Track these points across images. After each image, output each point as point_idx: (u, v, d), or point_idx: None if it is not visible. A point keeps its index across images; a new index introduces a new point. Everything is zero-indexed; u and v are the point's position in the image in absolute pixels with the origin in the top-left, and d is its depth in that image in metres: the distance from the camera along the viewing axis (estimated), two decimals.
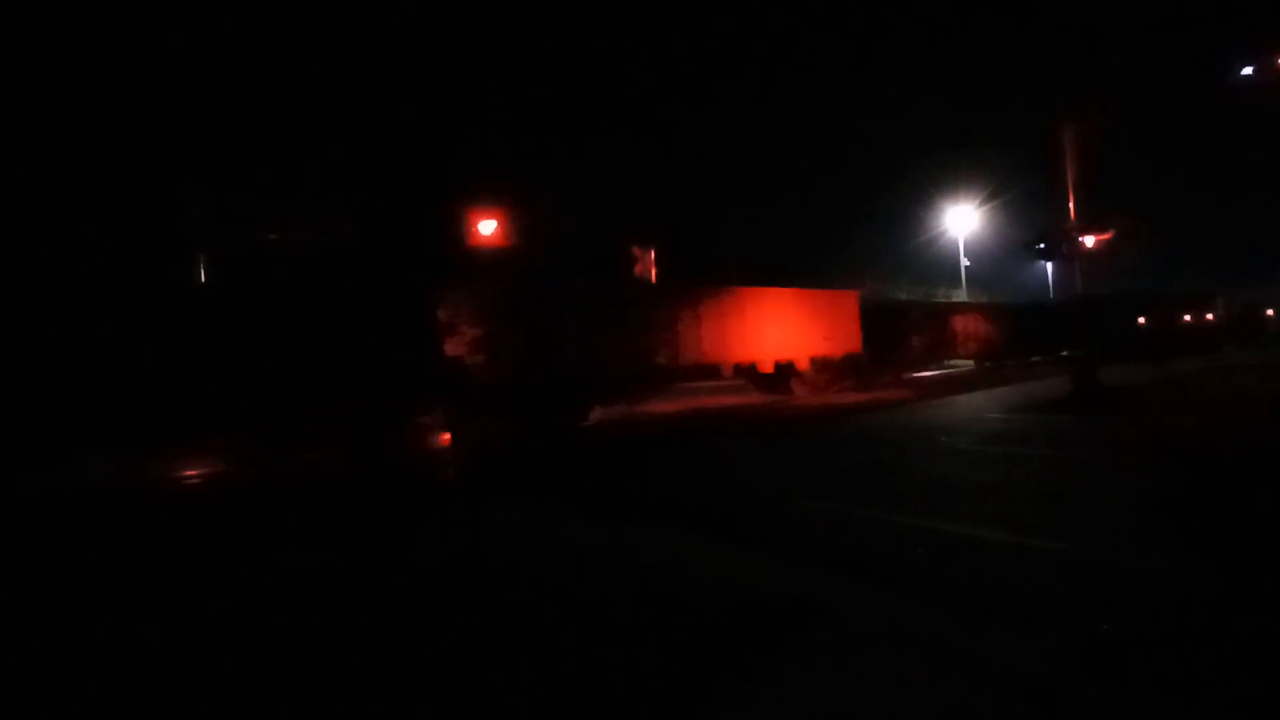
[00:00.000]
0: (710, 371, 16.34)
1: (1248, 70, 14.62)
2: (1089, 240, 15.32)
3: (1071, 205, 14.66)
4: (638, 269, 16.61)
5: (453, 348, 11.45)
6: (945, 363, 28.43)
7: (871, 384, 20.57)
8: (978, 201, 40.92)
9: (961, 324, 27.20)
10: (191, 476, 9.47)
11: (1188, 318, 33.85)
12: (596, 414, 14.09)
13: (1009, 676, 2.85)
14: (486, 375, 11.75)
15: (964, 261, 40.00)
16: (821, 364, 19.20)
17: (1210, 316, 35.18)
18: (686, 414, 15.53)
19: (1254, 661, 2.98)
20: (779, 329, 18.11)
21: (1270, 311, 41.02)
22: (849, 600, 3.84)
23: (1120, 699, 2.68)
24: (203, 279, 9.95)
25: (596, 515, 6.12)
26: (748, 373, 17.43)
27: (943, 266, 41.17)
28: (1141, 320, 31.10)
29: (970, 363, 29.17)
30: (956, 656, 3.05)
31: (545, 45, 56.38)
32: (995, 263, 44.29)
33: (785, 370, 18.24)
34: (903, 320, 24.51)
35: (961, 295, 33.65)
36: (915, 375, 25.21)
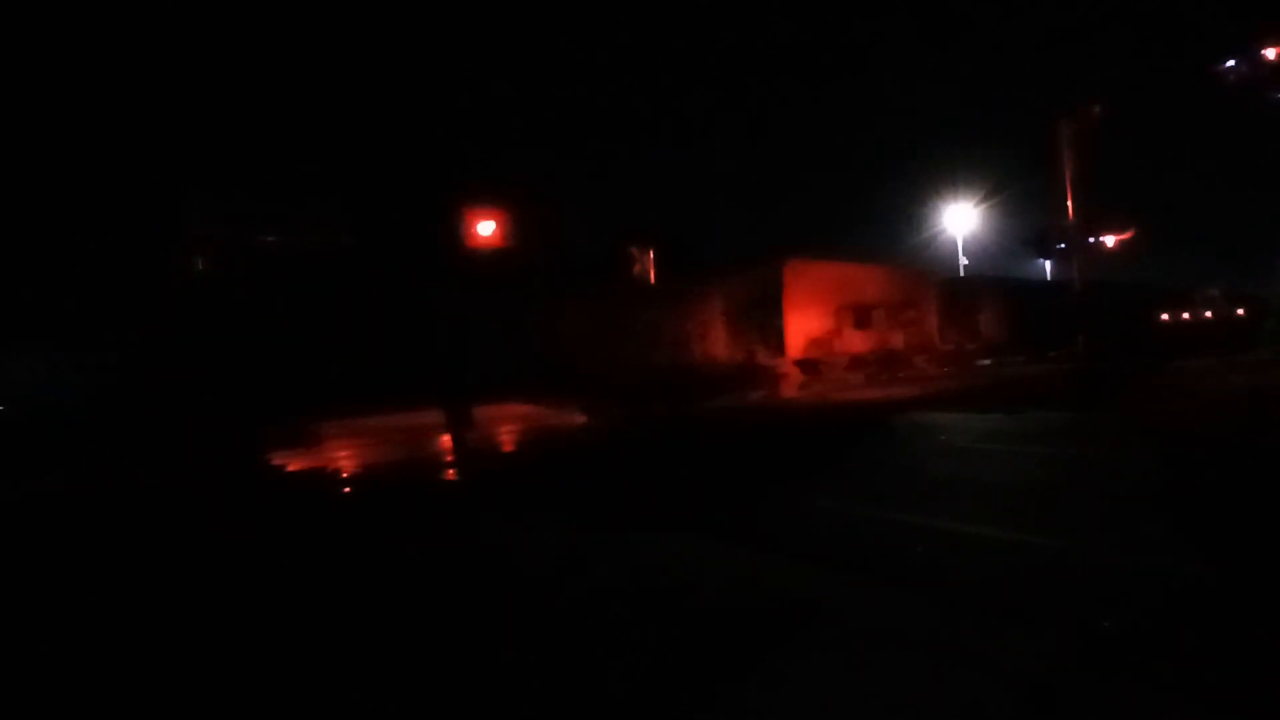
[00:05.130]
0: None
1: (1244, 68, 14.62)
2: (1088, 238, 15.32)
3: (1070, 203, 14.66)
4: (635, 269, 16.62)
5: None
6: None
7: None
8: (976, 200, 40.85)
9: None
10: None
11: (1186, 315, 33.84)
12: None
13: (1010, 675, 2.83)
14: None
15: (962, 260, 40.03)
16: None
17: (1209, 314, 35.19)
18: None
19: (1254, 656, 2.97)
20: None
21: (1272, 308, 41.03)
22: (849, 599, 3.81)
23: (1121, 696, 2.66)
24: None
25: (599, 522, 6.09)
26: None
27: (941, 264, 41.15)
28: (1144, 317, 30.90)
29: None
30: (957, 655, 3.03)
31: (543, 46, 56.46)
32: (993, 260, 44.25)
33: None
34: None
35: None
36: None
